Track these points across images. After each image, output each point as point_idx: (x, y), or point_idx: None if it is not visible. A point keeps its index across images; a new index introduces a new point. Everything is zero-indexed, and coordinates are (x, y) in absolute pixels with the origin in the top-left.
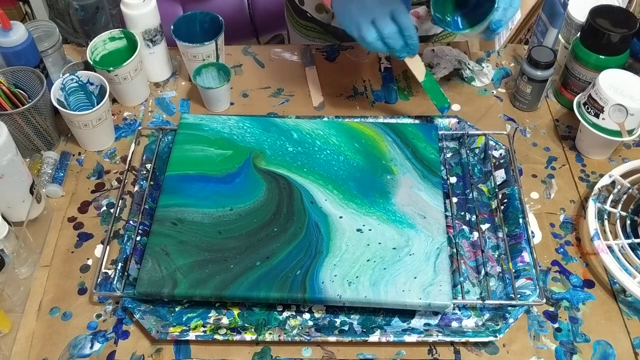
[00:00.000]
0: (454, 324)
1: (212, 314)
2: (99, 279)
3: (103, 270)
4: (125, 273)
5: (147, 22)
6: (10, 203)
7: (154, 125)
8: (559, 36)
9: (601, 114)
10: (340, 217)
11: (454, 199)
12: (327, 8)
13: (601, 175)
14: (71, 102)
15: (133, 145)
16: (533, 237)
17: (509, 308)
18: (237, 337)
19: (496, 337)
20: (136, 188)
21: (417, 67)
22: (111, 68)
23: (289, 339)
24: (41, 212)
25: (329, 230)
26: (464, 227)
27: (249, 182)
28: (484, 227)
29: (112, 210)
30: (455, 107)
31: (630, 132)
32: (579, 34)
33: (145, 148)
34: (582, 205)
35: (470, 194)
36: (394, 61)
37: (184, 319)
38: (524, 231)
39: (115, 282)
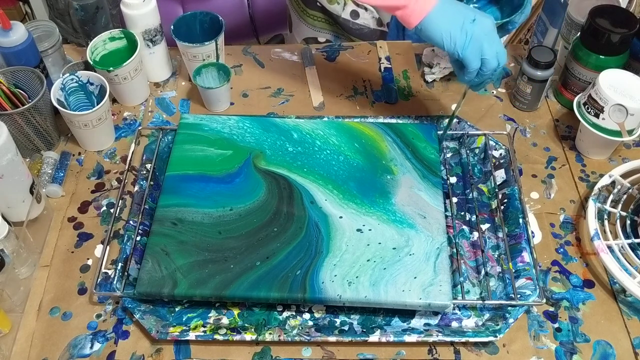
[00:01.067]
0: (454, 324)
1: (212, 314)
2: (99, 279)
3: (103, 270)
4: (125, 273)
5: (147, 22)
6: (10, 203)
7: (154, 125)
8: (559, 36)
9: (601, 114)
10: (340, 217)
11: (454, 199)
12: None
13: (601, 175)
14: (71, 102)
15: (133, 145)
16: (533, 237)
17: (509, 308)
18: (237, 337)
19: (496, 337)
20: (136, 188)
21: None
22: (111, 68)
23: (289, 339)
24: (41, 212)
25: (329, 230)
26: (464, 227)
27: (249, 182)
28: (484, 227)
29: (112, 210)
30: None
31: (630, 132)
32: (579, 34)
33: (145, 148)
34: (582, 205)
35: (470, 194)
36: (394, 61)
37: (184, 319)
38: (524, 231)
39: (115, 282)
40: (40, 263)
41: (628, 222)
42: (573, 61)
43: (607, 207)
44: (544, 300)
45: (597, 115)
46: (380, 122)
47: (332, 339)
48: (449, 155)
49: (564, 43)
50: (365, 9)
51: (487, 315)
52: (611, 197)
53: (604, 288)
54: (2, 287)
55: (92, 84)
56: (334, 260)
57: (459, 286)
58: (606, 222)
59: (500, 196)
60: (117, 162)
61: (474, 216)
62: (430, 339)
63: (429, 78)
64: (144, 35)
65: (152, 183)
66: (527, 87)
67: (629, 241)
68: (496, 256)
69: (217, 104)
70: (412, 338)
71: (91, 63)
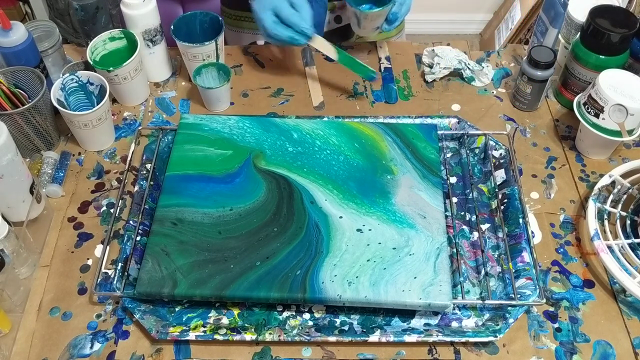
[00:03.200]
0: (454, 324)
1: (212, 314)
2: (99, 279)
3: (103, 270)
4: (125, 273)
5: (147, 22)
6: (10, 203)
7: (154, 125)
8: (559, 36)
9: (601, 114)
10: (340, 217)
11: (454, 199)
12: None
13: (601, 175)
14: (71, 102)
15: (133, 145)
16: (533, 237)
17: (509, 308)
18: (237, 337)
19: (496, 337)
20: (136, 188)
21: (325, 48)
22: (111, 68)
23: (289, 339)
24: (41, 212)
25: (329, 230)
26: (464, 227)
27: (249, 182)
28: (484, 227)
29: (112, 210)
30: (455, 107)
31: (630, 132)
32: (579, 34)
33: (145, 148)
34: (582, 205)
35: (470, 194)
36: (394, 61)
37: (184, 319)
38: (524, 231)
39: (115, 282)
40: (40, 263)
41: (628, 222)
42: (573, 61)
43: (607, 207)
44: (544, 300)
45: (597, 115)
46: (380, 122)
47: (332, 339)
48: (449, 155)
49: (564, 43)
50: None
51: (487, 315)
52: (611, 197)
53: (604, 288)
54: (2, 287)
55: (92, 84)
56: (334, 260)
57: (459, 286)
58: (606, 222)
59: (500, 196)
60: (117, 162)
61: (474, 216)
62: (430, 339)
63: (429, 78)
64: (144, 35)
65: (152, 183)
66: (527, 87)
67: (629, 241)
68: (496, 256)
69: (217, 104)
70: (412, 338)
71: (91, 63)
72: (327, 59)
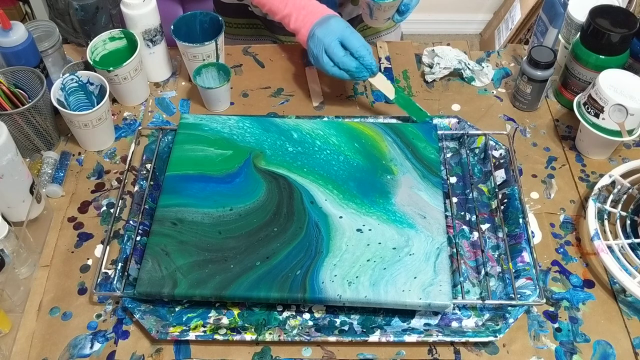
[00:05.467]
0: (454, 324)
1: (212, 314)
2: (99, 279)
3: (103, 270)
4: (125, 273)
5: (147, 22)
6: (10, 203)
7: (154, 125)
8: (559, 36)
9: (601, 114)
10: (340, 217)
11: (454, 199)
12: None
13: (601, 175)
14: (71, 102)
15: (133, 145)
16: (533, 237)
17: (509, 308)
18: (237, 337)
19: (496, 337)
20: (136, 188)
21: (384, 86)
22: (111, 68)
23: (289, 339)
24: (41, 212)
25: (329, 230)
26: (464, 227)
27: (249, 182)
28: (484, 227)
29: (112, 210)
30: (455, 107)
31: (630, 132)
32: (579, 34)
33: (145, 148)
34: (582, 205)
35: (470, 194)
36: (394, 61)
37: (184, 319)
38: (524, 231)
39: (115, 282)
40: (40, 263)
41: (628, 222)
42: (573, 61)
43: (607, 207)
44: (544, 300)
45: (597, 115)
46: (380, 122)
47: (332, 339)
48: (449, 155)
49: (564, 43)
50: None
51: (487, 315)
52: (611, 197)
53: (604, 288)
54: (2, 287)
55: (92, 84)
56: (334, 260)
57: (459, 286)
58: (606, 222)
59: (500, 196)
60: (117, 162)
61: (474, 216)
62: (430, 339)
63: (429, 78)
64: (144, 35)
65: (152, 183)
66: (527, 87)
67: (629, 241)
68: (496, 256)
69: (217, 104)
70: (412, 338)
71: (91, 63)
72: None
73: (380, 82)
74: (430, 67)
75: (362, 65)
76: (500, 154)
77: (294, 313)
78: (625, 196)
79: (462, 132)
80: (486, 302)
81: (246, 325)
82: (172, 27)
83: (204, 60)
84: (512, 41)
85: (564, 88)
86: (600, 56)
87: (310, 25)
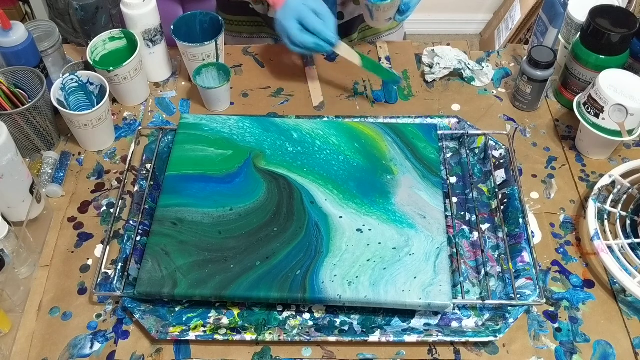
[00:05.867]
0: (454, 324)
1: (212, 314)
2: (99, 279)
3: (103, 270)
4: (125, 273)
5: (147, 22)
6: (10, 203)
7: (154, 125)
8: (559, 36)
9: (601, 114)
10: (340, 217)
11: (454, 199)
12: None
13: (601, 175)
14: (71, 102)
15: (133, 145)
16: (533, 237)
17: (509, 308)
18: (237, 337)
19: (496, 337)
20: (136, 188)
21: (348, 54)
22: (111, 68)
23: (289, 339)
24: (41, 212)
25: (329, 230)
26: (464, 227)
27: (249, 182)
28: (484, 227)
29: (112, 210)
30: (455, 107)
31: (630, 132)
32: (579, 34)
33: (145, 148)
34: (582, 205)
35: (470, 194)
36: (394, 61)
37: (184, 319)
38: (524, 231)
39: (115, 282)
40: (40, 263)
41: (628, 222)
42: (573, 61)
43: (607, 207)
44: (544, 300)
45: (597, 115)
46: (380, 122)
47: (332, 339)
48: (449, 155)
49: (564, 43)
50: None
51: (487, 315)
52: (611, 197)
53: (604, 288)
54: (2, 287)
55: (92, 84)
56: (334, 260)
57: (459, 286)
58: (606, 222)
59: (500, 196)
60: (117, 162)
61: (474, 216)
62: (430, 339)
63: (429, 78)
64: (144, 35)
65: (152, 183)
66: (527, 87)
67: (629, 241)
68: (496, 256)
69: (217, 104)
70: (412, 338)
71: (91, 63)
72: (328, 59)
73: (345, 51)
74: (430, 67)
75: (320, 40)
76: (500, 154)
77: (294, 313)
78: (625, 196)
79: (462, 132)
80: (486, 302)
81: (246, 325)
82: (172, 27)
83: (204, 60)
84: (512, 41)
85: (564, 88)
86: (600, 56)
87: (278, 7)
